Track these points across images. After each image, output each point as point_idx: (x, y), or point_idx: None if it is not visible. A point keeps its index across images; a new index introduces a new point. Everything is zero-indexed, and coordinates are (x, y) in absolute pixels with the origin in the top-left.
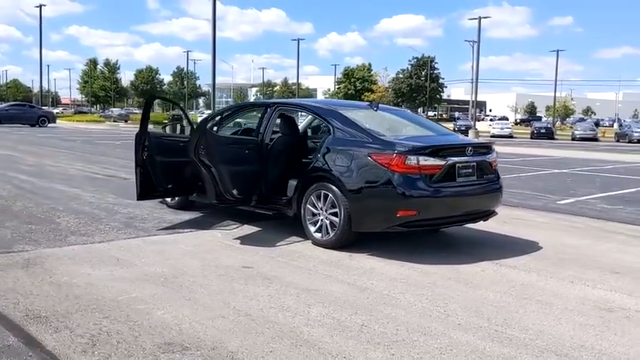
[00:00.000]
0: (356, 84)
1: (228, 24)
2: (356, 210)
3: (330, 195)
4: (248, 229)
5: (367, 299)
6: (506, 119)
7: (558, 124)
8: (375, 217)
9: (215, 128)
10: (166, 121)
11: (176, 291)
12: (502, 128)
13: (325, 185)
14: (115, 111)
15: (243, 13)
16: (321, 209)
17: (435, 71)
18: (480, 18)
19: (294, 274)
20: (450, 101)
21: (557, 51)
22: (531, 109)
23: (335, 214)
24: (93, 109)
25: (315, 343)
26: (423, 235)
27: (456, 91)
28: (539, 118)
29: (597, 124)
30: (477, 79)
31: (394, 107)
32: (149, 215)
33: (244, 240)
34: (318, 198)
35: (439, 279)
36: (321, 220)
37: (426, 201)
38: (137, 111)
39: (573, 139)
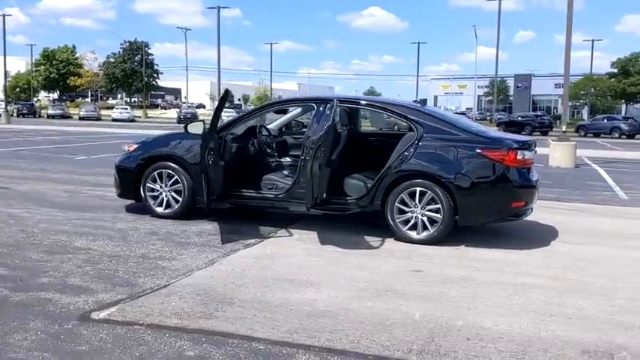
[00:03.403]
0: (59, 67)
1: None
2: (467, 204)
3: (429, 192)
4: (305, 234)
5: (561, 285)
6: (204, 106)
7: None
8: (491, 210)
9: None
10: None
11: (434, 301)
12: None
13: (421, 182)
14: None
15: None
16: (415, 206)
17: (150, 57)
18: (219, 7)
19: (469, 271)
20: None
21: (271, 44)
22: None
23: (434, 211)
24: None
25: None
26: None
27: None
28: (240, 106)
29: None
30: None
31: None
32: (170, 230)
33: (339, 244)
34: (411, 196)
35: (554, 260)
36: (415, 217)
37: (530, 191)
38: None
39: None
